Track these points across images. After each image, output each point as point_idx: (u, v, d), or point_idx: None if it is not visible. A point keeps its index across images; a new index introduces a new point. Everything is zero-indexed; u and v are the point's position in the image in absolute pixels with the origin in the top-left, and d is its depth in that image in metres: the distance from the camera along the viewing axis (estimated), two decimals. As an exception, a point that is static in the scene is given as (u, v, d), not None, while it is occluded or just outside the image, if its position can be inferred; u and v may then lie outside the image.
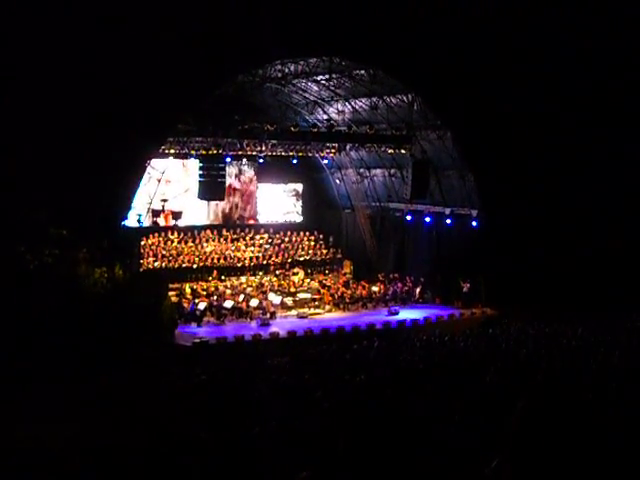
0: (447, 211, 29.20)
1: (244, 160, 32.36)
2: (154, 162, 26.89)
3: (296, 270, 31.16)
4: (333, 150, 30.10)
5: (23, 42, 18.84)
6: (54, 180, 19.83)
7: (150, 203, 29.41)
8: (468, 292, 27.95)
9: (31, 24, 18.89)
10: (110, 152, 20.16)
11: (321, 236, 34.24)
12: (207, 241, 31.70)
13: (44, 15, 18.91)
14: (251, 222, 34.07)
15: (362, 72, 26.94)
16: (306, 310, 27.34)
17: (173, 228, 31.04)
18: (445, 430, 7.64)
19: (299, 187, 35.68)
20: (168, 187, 30.93)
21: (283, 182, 34.97)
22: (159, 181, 29.57)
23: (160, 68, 20.41)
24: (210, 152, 26.23)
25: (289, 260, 31.95)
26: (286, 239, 33.34)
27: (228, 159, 27.57)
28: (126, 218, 23.36)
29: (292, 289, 28.83)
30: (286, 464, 6.79)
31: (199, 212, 32.34)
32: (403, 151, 28.93)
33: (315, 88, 30.07)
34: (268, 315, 25.80)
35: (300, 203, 35.81)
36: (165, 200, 30.56)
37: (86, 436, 12.16)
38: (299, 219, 35.68)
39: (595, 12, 23.62)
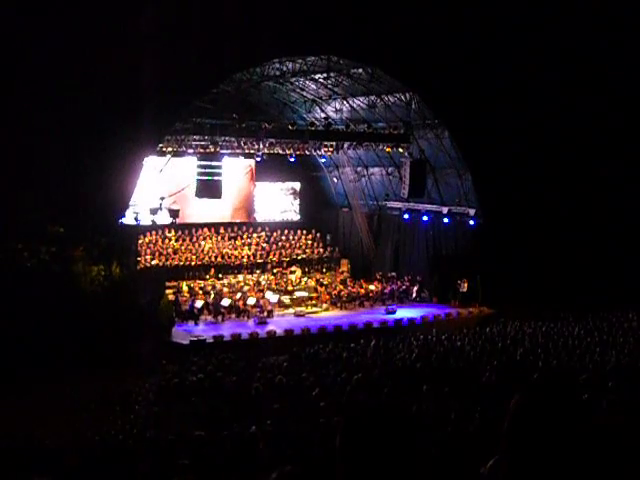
0: (444, 210, 29.20)
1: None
2: (152, 160, 26.83)
3: (293, 268, 31.16)
4: (331, 148, 30.07)
5: (23, 42, 18.80)
6: (51, 178, 19.81)
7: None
8: (466, 292, 27.92)
9: (31, 23, 18.86)
10: (107, 150, 20.14)
11: (318, 235, 34.22)
12: (204, 239, 31.69)
13: (44, 14, 18.87)
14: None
15: (360, 71, 26.92)
16: (303, 308, 27.34)
17: (171, 226, 30.97)
18: (442, 428, 7.65)
19: (296, 185, 35.64)
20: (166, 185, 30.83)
21: (280, 180, 34.93)
22: (157, 179, 29.52)
23: (158, 66, 20.37)
24: (207, 150, 26.21)
25: (286, 258, 31.94)
26: (283, 237, 33.33)
27: (225, 157, 27.52)
28: (123, 216, 23.33)
29: (289, 287, 28.84)
30: (283, 463, 6.80)
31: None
32: (401, 150, 28.92)
33: (313, 86, 30.05)
34: (265, 313, 25.80)
35: (297, 201, 35.79)
36: (163, 198, 30.50)
37: (84, 434, 12.15)
38: (296, 217, 35.66)
39: (595, 11, 23.62)
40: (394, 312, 26.94)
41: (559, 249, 25.95)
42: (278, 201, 35.35)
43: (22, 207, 19.69)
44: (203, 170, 25.75)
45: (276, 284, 29.11)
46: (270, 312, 26.14)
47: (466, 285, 27.96)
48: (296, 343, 21.69)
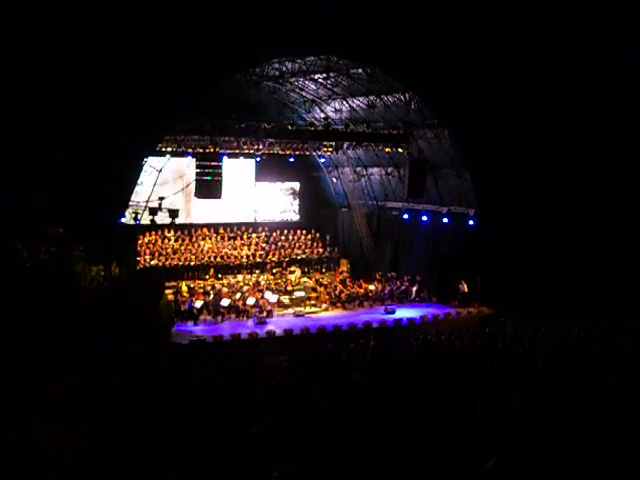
0: (444, 210, 29.21)
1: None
2: (151, 160, 26.80)
3: (293, 269, 31.15)
4: (330, 149, 30.08)
5: (22, 41, 18.80)
6: (51, 178, 19.80)
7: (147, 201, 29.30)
8: (466, 293, 27.84)
9: (31, 23, 18.85)
10: (107, 150, 20.14)
11: (318, 235, 34.23)
12: (204, 239, 31.69)
13: (44, 14, 18.87)
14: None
15: (359, 71, 26.92)
16: (303, 309, 27.34)
17: (170, 226, 30.95)
18: (442, 429, 7.65)
19: (296, 186, 35.65)
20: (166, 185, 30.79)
21: (280, 180, 34.95)
22: (156, 179, 29.50)
23: (157, 66, 20.39)
24: (207, 150, 26.20)
25: (286, 259, 31.95)
26: (283, 237, 33.34)
27: (225, 157, 27.51)
28: (123, 216, 23.32)
29: (289, 287, 28.84)
30: (283, 462, 6.79)
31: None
32: (400, 150, 28.92)
33: (312, 86, 30.05)
34: (265, 313, 25.80)
35: (297, 202, 35.80)
36: (162, 198, 30.46)
37: (84, 435, 12.15)
38: (296, 217, 35.67)
39: (595, 11, 23.64)
40: (393, 312, 26.94)
41: (558, 249, 25.95)
42: (278, 201, 35.36)
43: (22, 207, 19.67)
44: (203, 170, 25.75)
45: (275, 284, 29.13)
46: (269, 312, 26.14)
47: (466, 286, 27.92)
48: (296, 343, 21.69)
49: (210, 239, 31.85)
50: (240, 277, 30.03)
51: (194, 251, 30.62)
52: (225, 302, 26.15)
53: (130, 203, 24.37)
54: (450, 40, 24.22)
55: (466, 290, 27.88)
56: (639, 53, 23.85)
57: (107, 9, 19.40)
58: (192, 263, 29.95)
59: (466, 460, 5.36)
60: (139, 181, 24.40)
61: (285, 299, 27.79)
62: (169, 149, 26.62)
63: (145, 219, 27.34)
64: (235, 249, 31.66)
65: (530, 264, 25.69)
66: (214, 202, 29.64)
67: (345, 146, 29.67)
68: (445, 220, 29.09)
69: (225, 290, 27.62)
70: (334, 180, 34.91)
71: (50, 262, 19.96)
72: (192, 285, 28.36)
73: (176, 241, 30.86)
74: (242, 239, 32.54)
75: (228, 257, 31.02)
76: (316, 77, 28.75)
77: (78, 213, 20.14)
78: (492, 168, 26.57)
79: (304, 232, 34.08)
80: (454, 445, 6.48)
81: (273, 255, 31.90)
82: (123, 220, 23.53)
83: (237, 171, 32.79)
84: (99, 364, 18.18)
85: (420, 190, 28.21)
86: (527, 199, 26.13)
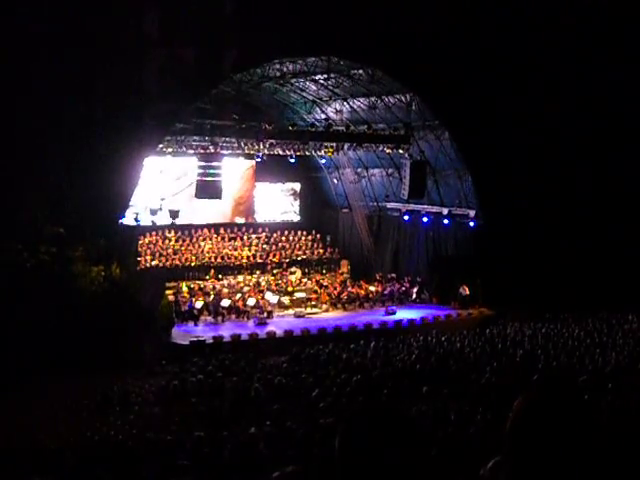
0: (444, 211, 29.20)
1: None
2: (152, 160, 26.80)
3: (293, 269, 31.13)
4: (331, 149, 30.06)
5: (22, 41, 18.81)
6: (51, 178, 19.81)
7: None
8: (468, 296, 27.76)
9: (33, 23, 18.87)
10: (108, 150, 20.14)
11: (318, 235, 34.20)
12: (204, 240, 31.67)
13: (47, 14, 18.88)
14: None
15: (360, 72, 26.94)
16: (303, 309, 27.33)
17: (171, 227, 30.94)
18: (442, 430, 7.64)
19: (297, 186, 35.62)
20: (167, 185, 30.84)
21: (281, 181, 34.91)
22: (157, 179, 29.52)
23: (158, 67, 20.39)
24: (208, 151, 26.20)
25: (286, 259, 31.92)
26: (283, 238, 33.31)
27: (225, 158, 27.49)
28: (124, 216, 23.32)
29: (289, 288, 28.81)
30: (283, 463, 6.78)
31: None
32: (401, 151, 28.91)
33: (313, 87, 30.05)
34: (265, 314, 25.79)
35: (297, 202, 35.77)
36: (164, 199, 30.47)
37: (84, 434, 12.14)
38: (296, 218, 35.63)
39: (594, 14, 23.64)
40: (394, 313, 26.92)
41: (559, 250, 25.94)
42: (278, 202, 35.32)
43: (22, 207, 19.69)
44: (203, 171, 25.73)
45: (276, 285, 29.09)
46: (270, 313, 26.13)
47: (467, 290, 27.83)
48: (296, 344, 21.68)
49: (211, 240, 31.84)
50: (240, 278, 30.00)
51: (194, 252, 30.59)
52: (225, 303, 26.14)
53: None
54: (451, 41, 24.23)
55: (467, 293, 27.83)
56: (639, 53, 23.84)
57: (108, 10, 19.40)
58: (192, 264, 29.91)
59: (466, 461, 5.35)
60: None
61: (285, 300, 27.78)
62: (170, 149, 26.59)
63: (146, 219, 27.36)
64: (235, 250, 31.64)
65: (530, 265, 25.68)
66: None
67: (346, 147, 29.64)
68: (446, 221, 29.09)
69: (225, 291, 27.61)
70: (335, 181, 34.89)
71: (50, 262, 19.96)
72: (192, 286, 28.32)
73: (177, 242, 30.84)
74: (242, 240, 32.52)
75: (228, 258, 30.99)
76: (317, 78, 28.75)
77: (79, 213, 20.14)
78: (493, 169, 26.57)
79: (304, 233, 34.05)
80: (454, 446, 6.47)
81: (273, 256, 31.87)
82: (123, 221, 23.51)
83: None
84: (99, 364, 18.19)
85: (421, 191, 28.19)
86: (528, 200, 26.12)
